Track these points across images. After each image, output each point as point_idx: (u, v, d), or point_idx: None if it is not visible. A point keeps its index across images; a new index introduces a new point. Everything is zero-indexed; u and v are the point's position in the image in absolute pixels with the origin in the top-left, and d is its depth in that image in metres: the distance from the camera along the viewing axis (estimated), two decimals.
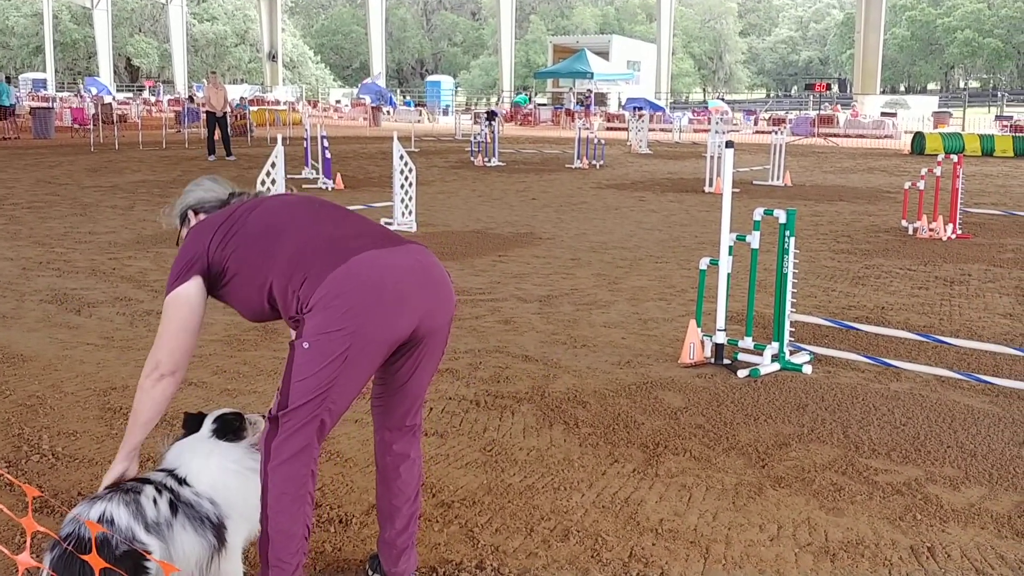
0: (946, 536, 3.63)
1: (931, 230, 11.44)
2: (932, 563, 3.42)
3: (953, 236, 11.36)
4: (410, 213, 11.68)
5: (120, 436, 4.05)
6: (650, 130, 29.93)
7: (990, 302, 7.90)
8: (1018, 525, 3.71)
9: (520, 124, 45.67)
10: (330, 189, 16.05)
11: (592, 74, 50.42)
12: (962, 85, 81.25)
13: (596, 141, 22.45)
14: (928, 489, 4.06)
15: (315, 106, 51.63)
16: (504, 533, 3.60)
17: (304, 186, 16.27)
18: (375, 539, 3.41)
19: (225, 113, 21.92)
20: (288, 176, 11.01)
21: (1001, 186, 18.34)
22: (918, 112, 44.08)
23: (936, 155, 12.75)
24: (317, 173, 16.88)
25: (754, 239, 5.98)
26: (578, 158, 22.21)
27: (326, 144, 16.23)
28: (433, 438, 4.56)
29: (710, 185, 16.73)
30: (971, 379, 5.59)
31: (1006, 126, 36.58)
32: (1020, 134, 30.51)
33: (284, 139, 10.62)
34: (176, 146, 25.74)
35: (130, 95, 60.71)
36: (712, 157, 16.95)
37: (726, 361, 5.91)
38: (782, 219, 5.87)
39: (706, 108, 48.28)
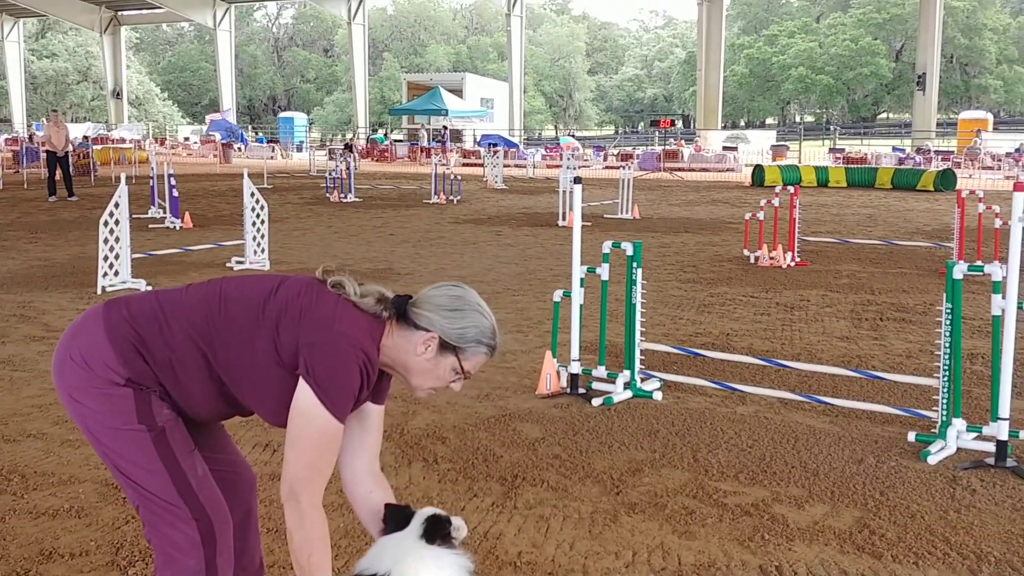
0: (792, 554, 3.78)
1: (771, 258, 11.95)
2: None
3: (792, 264, 11.90)
4: (263, 251, 11.47)
5: None
6: (505, 166, 30.32)
7: (828, 326, 8.30)
8: (859, 540, 3.90)
9: (376, 160, 45.52)
10: (178, 228, 15.60)
11: (447, 111, 50.83)
12: (797, 119, 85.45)
13: (453, 177, 22.60)
14: (774, 509, 4.22)
15: (163, 144, 50.16)
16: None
17: (150, 226, 15.77)
18: None
19: (67, 152, 21.13)
20: (133, 216, 10.66)
21: (836, 215, 19.34)
22: (757, 146, 46.13)
23: (775, 186, 13.36)
24: (165, 212, 16.39)
25: (604, 271, 6.13)
26: (435, 193, 22.29)
27: (173, 182, 15.79)
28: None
29: (563, 219, 17.05)
30: (812, 400, 5.85)
31: (839, 158, 38.63)
32: (852, 165, 32.30)
33: (129, 178, 10.28)
34: (14, 187, 24.57)
35: None
36: (564, 192, 17.29)
37: (581, 390, 6.01)
38: (629, 251, 6.03)
39: (558, 144, 49.20)
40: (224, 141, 45.64)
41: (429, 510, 2.58)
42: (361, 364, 2.47)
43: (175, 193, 15.93)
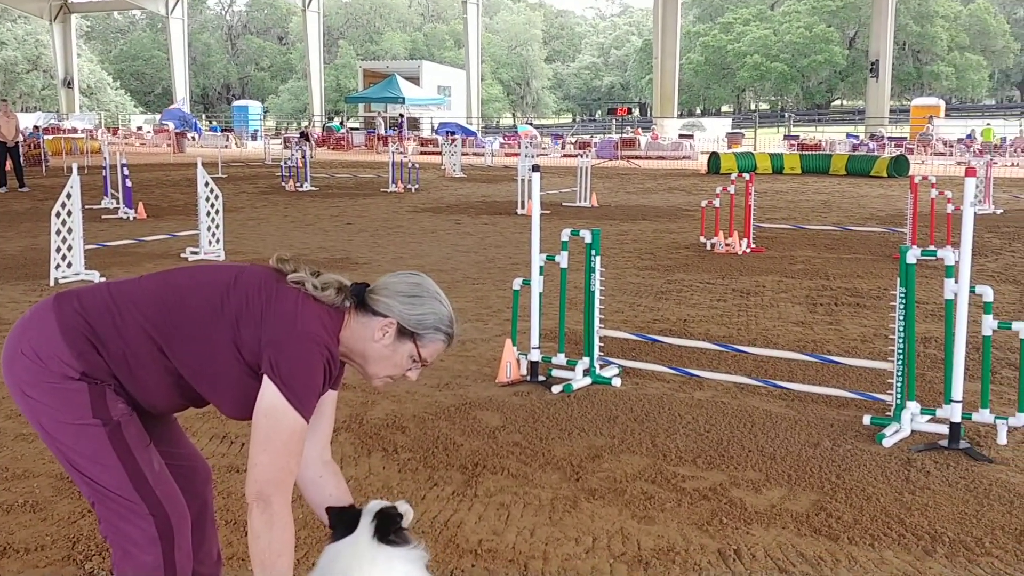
0: (750, 537, 3.81)
1: (727, 245, 12.05)
2: (739, 564, 3.58)
3: (748, 250, 12.00)
4: (217, 241, 11.35)
5: None
6: (463, 154, 30.24)
7: (783, 311, 8.39)
8: (816, 523, 3.94)
9: (333, 148, 45.22)
10: (132, 218, 15.39)
11: (404, 99, 50.62)
12: (752, 107, 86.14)
13: (410, 165, 22.50)
14: (732, 493, 4.26)
15: (115, 133, 49.44)
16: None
17: (104, 217, 15.54)
18: None
19: (17, 143, 20.77)
20: (86, 207, 10.49)
21: (791, 201, 19.54)
22: (713, 133, 46.47)
23: (730, 174, 13.45)
24: (118, 203, 16.16)
25: (562, 259, 6.14)
26: (393, 182, 22.18)
27: (127, 172, 15.56)
28: (243, 475, 4.42)
29: (522, 207, 17.05)
30: (768, 385, 5.91)
31: (793, 145, 39.03)
32: (806, 152, 32.64)
33: (81, 168, 10.12)
34: None
35: None
36: (523, 180, 17.29)
37: (541, 378, 6.02)
38: (588, 239, 6.05)
39: (516, 132, 49.21)
40: (178, 130, 45.06)
41: (375, 505, 2.50)
42: (325, 361, 2.46)
43: (128, 183, 15.71)
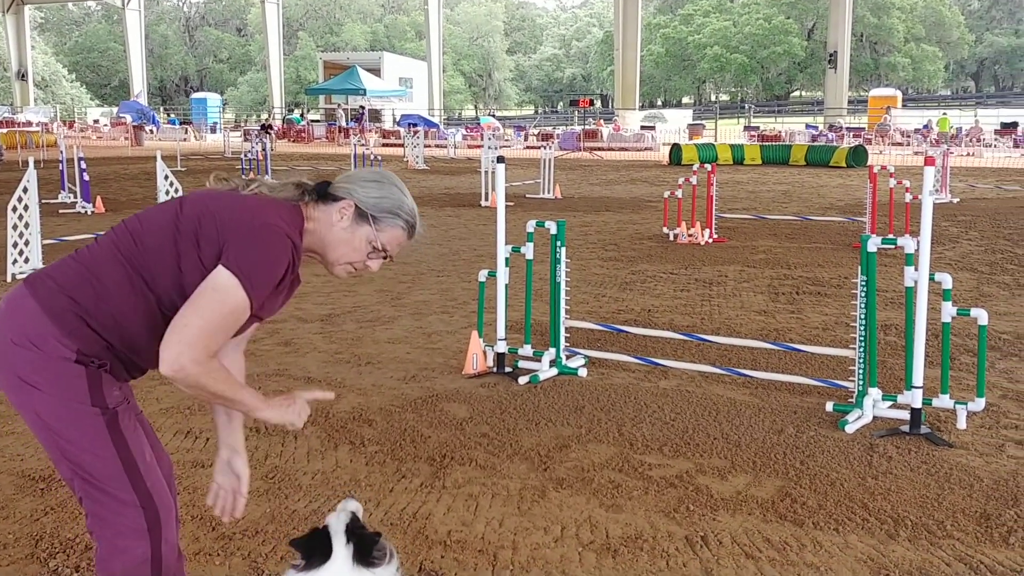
0: (717, 524, 3.85)
1: (690, 236, 12.12)
2: (706, 551, 3.62)
3: (710, 240, 12.08)
4: None
5: None
6: (426, 146, 30.15)
7: (746, 301, 8.46)
8: (781, 509, 3.99)
9: (293, 141, 44.86)
10: (90, 213, 15.18)
11: (365, 90, 50.28)
12: (713, 98, 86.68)
13: (373, 157, 22.39)
14: (698, 480, 4.30)
15: (71, 126, 48.71)
16: (291, 561, 3.51)
17: (61, 211, 15.32)
18: None
19: None
20: (43, 201, 10.33)
21: (751, 192, 19.70)
22: (674, 125, 46.71)
23: (692, 165, 13.53)
24: (75, 196, 15.93)
25: (528, 250, 6.15)
26: None
27: (84, 166, 15.35)
28: (210, 469, 4.38)
29: (486, 199, 17.04)
30: (732, 373, 5.96)
31: (754, 136, 39.35)
32: (766, 143, 32.91)
33: (37, 162, 9.97)
34: None
35: None
36: (486, 172, 17.28)
37: (508, 369, 6.03)
38: (553, 230, 6.06)
39: (478, 124, 49.13)
40: (135, 123, 44.51)
41: (339, 524, 2.38)
42: (290, 252, 2.43)
43: (86, 177, 15.51)
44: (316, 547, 2.34)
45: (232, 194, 2.50)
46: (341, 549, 2.32)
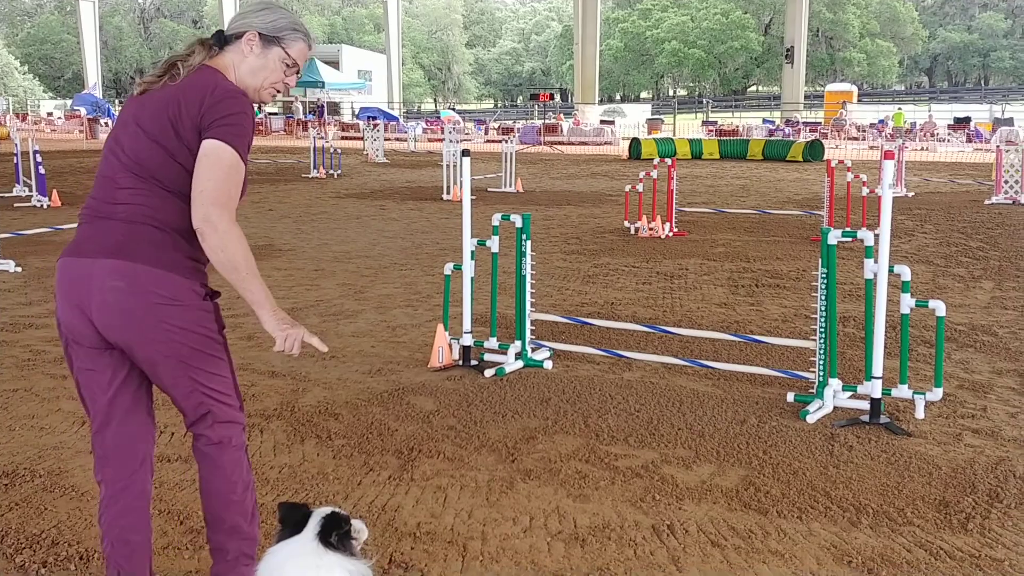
0: (683, 513, 3.90)
1: (651, 229, 12.21)
2: (672, 539, 3.66)
3: (670, 234, 12.18)
4: None
5: None
6: (386, 139, 30.04)
7: (707, 293, 8.55)
8: (745, 497, 4.05)
9: None
10: (46, 207, 14.97)
11: (324, 83, 49.97)
12: (671, 93, 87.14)
13: (332, 150, 22.27)
14: (664, 470, 4.35)
15: (24, 119, 47.89)
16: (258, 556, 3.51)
17: (16, 205, 15.08)
18: None
19: None
20: None
21: (710, 186, 19.86)
22: (633, 119, 46.94)
23: (652, 159, 13.63)
24: (30, 191, 15.69)
25: (494, 243, 6.17)
26: (315, 168, 21.94)
27: (39, 159, 15.12)
28: (177, 464, 4.38)
29: (448, 193, 17.03)
30: (695, 364, 6.03)
31: (711, 130, 39.64)
32: (724, 137, 33.19)
33: None
34: None
35: None
36: (448, 165, 17.26)
37: (473, 362, 6.05)
38: (519, 223, 6.09)
39: (439, 118, 49.02)
40: (90, 116, 43.86)
41: (327, 509, 2.57)
42: (248, 106, 2.79)
43: (41, 171, 15.28)
44: (295, 518, 2.53)
45: (168, 84, 2.80)
46: (312, 526, 2.51)
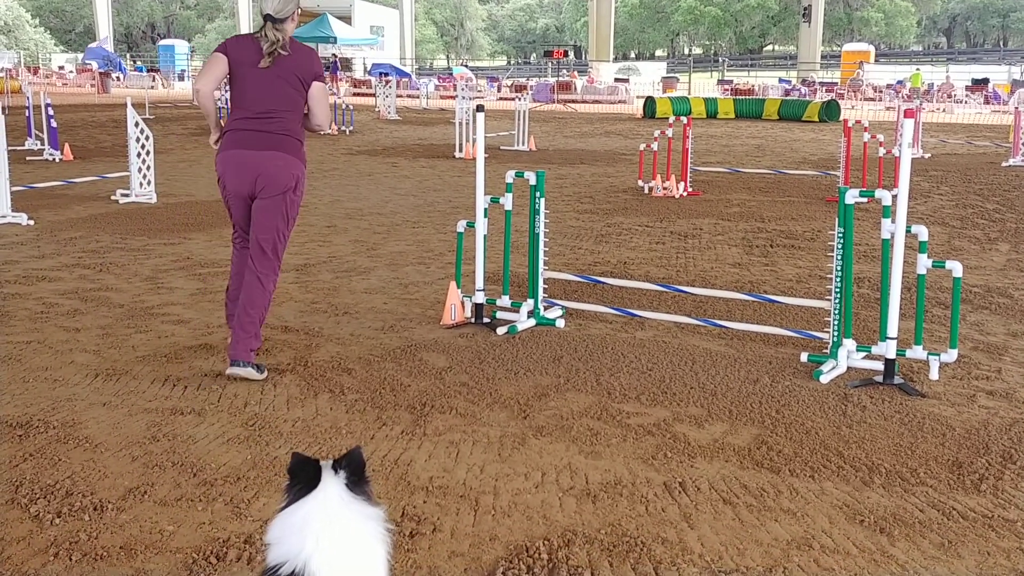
0: (695, 471, 3.90)
1: (665, 189, 12.14)
2: (684, 496, 3.67)
3: (685, 194, 12.11)
4: (149, 183, 11.09)
5: None
6: (397, 96, 29.86)
7: (720, 253, 8.51)
8: (757, 456, 4.04)
9: None
10: (58, 160, 14.96)
11: (336, 39, 49.58)
12: (687, 52, 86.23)
13: (344, 107, 22.16)
14: (676, 428, 4.35)
15: (36, 73, 47.75)
16: (273, 506, 3.52)
17: (28, 159, 15.07)
18: (132, 524, 3.31)
19: None
20: (10, 148, 10.14)
21: (725, 146, 19.71)
22: (648, 78, 46.50)
23: (666, 118, 13.52)
24: (42, 144, 15.67)
25: (507, 201, 6.13)
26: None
27: (51, 113, 15.09)
28: (190, 416, 4.39)
29: (460, 150, 16.95)
30: (708, 324, 6.01)
31: (727, 90, 39.27)
32: (740, 97, 32.88)
33: (3, 108, 9.77)
34: None
35: None
36: (461, 123, 17.16)
37: (486, 320, 6.04)
38: (532, 181, 6.04)
39: (451, 75, 48.68)
40: (102, 70, 43.69)
41: (328, 461, 2.28)
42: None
43: (53, 124, 15.25)
44: (308, 472, 2.24)
45: (283, 56, 4.93)
46: (331, 477, 2.23)
